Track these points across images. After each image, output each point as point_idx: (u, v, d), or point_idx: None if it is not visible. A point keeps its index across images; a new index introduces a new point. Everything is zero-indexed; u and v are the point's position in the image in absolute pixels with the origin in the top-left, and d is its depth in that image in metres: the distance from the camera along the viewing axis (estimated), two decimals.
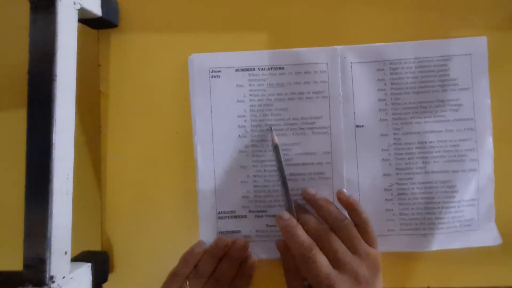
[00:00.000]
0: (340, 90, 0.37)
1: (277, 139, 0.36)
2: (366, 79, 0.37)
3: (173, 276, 0.34)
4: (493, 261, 0.36)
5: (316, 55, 0.37)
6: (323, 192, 0.36)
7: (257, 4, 0.38)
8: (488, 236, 0.36)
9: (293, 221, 0.33)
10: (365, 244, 0.32)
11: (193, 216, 0.37)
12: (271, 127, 0.36)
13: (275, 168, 0.37)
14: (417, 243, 0.36)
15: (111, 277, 0.37)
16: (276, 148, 0.36)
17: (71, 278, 0.31)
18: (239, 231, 0.37)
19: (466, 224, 0.36)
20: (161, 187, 0.38)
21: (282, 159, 0.35)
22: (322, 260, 0.30)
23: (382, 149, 0.37)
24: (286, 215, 0.33)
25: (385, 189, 0.37)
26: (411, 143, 0.37)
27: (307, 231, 0.32)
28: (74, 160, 0.31)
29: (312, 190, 0.35)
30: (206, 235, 0.37)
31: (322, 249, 0.31)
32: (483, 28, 0.37)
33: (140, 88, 0.38)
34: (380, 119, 0.37)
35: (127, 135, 0.38)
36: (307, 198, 0.35)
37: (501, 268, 0.37)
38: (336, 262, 0.31)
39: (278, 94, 0.37)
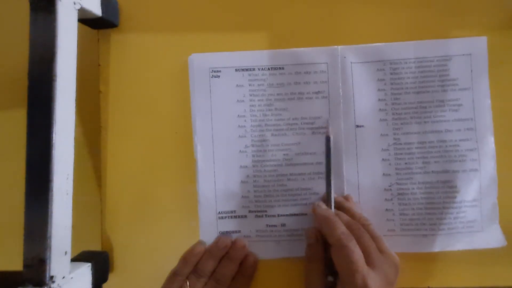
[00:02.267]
0: (340, 90, 0.37)
1: (331, 131, 0.36)
2: (366, 79, 0.37)
3: (173, 276, 0.34)
4: (494, 261, 0.36)
5: (316, 55, 0.37)
6: (323, 192, 0.36)
7: (257, 4, 0.38)
8: (492, 237, 0.36)
9: (332, 212, 0.34)
10: (387, 246, 0.33)
11: (193, 216, 0.37)
12: (328, 121, 0.36)
13: (275, 168, 0.37)
14: (418, 244, 0.36)
15: (111, 277, 0.37)
16: (328, 140, 0.35)
17: (71, 278, 0.31)
18: (239, 231, 0.37)
19: (469, 226, 0.36)
20: (161, 187, 0.38)
21: (332, 153, 0.35)
22: (359, 253, 0.30)
23: (382, 149, 0.37)
24: (324, 205, 0.34)
25: (385, 189, 0.37)
26: (411, 143, 0.36)
27: None
28: (74, 160, 0.31)
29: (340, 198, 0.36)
30: (206, 235, 0.37)
31: None
32: (483, 28, 0.37)
33: (140, 88, 0.38)
34: (380, 119, 0.37)
35: (127, 135, 0.38)
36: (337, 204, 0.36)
37: (502, 268, 0.36)
38: (368, 258, 0.30)
39: (278, 94, 0.37)
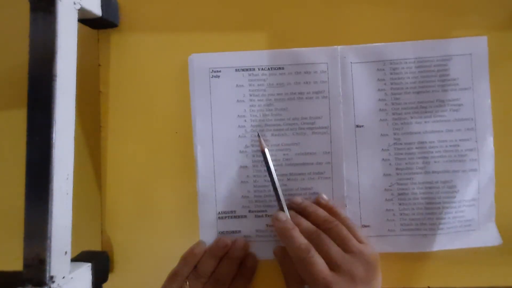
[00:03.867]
0: (340, 90, 0.37)
1: (265, 145, 0.36)
2: (366, 79, 0.37)
3: (173, 276, 0.34)
4: (493, 261, 0.36)
5: (316, 55, 0.37)
6: (323, 193, 0.36)
7: (257, 4, 0.38)
8: (488, 236, 0.36)
9: (290, 222, 0.33)
10: (358, 243, 0.32)
11: (193, 216, 0.37)
12: (258, 134, 0.36)
13: (275, 168, 0.37)
14: (417, 244, 0.36)
15: (111, 277, 0.37)
16: (264, 153, 0.35)
17: (71, 278, 0.31)
18: (239, 231, 0.37)
19: (466, 224, 0.36)
20: (161, 187, 0.38)
21: (270, 164, 0.35)
22: (319, 262, 0.30)
23: (382, 149, 0.37)
24: (283, 216, 0.34)
25: (385, 189, 0.37)
26: (411, 143, 0.36)
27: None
28: (74, 160, 0.31)
29: (298, 199, 0.36)
30: (206, 235, 0.37)
31: (316, 251, 0.31)
32: (483, 28, 0.37)
33: (140, 88, 0.38)
34: (380, 119, 0.37)
35: (127, 135, 0.38)
36: (294, 207, 0.36)
37: (501, 268, 0.36)
38: (331, 264, 0.31)
39: (278, 94, 0.37)
